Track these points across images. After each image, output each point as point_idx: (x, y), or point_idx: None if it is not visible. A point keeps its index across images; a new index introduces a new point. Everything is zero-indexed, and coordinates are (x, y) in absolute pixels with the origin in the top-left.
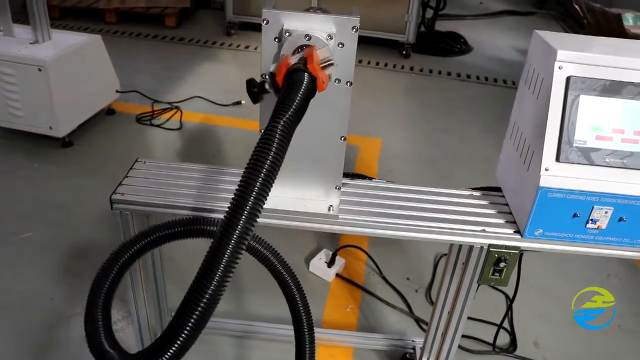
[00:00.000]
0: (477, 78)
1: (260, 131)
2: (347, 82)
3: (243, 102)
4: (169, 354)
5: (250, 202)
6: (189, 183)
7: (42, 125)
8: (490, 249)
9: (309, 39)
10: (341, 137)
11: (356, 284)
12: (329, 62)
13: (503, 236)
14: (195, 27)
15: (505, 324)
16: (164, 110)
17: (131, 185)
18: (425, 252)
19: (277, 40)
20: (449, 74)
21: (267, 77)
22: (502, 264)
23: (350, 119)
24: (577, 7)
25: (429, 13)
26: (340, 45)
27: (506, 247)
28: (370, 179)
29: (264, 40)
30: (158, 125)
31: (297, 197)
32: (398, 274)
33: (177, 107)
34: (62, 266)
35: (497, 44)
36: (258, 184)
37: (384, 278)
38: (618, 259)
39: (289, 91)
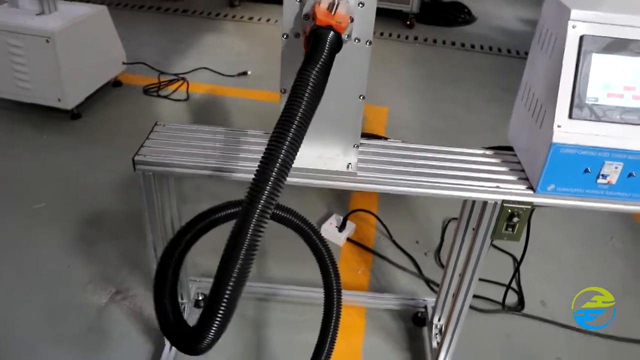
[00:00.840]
0: (482, 48)
1: (281, 91)
2: (366, 42)
3: (249, 72)
4: (216, 322)
5: (281, 156)
6: (209, 144)
7: (51, 97)
8: (504, 205)
9: None
10: (360, 95)
11: (367, 247)
12: (336, 4)
13: (516, 192)
14: None
15: (513, 285)
16: (171, 82)
17: (152, 147)
18: (433, 216)
19: (298, 0)
20: (453, 43)
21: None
22: (515, 219)
23: None
24: None
25: None
26: (360, 5)
27: (519, 202)
28: (386, 139)
29: (285, 1)
30: (165, 97)
31: (316, 156)
32: (407, 237)
33: (183, 79)
34: (76, 234)
35: (501, 14)
36: (290, 134)
37: (393, 242)
38: (622, 221)
39: (311, 51)
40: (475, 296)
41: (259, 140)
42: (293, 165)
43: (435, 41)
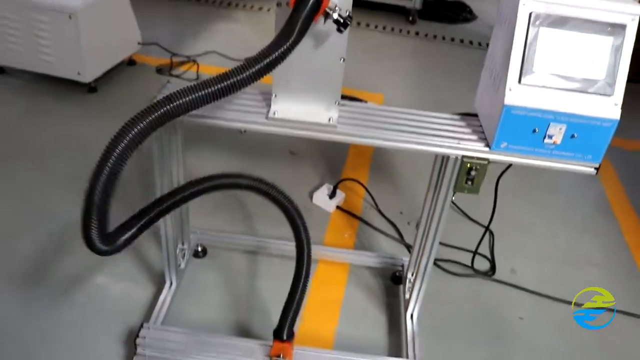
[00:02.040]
0: (479, 44)
1: None
2: (346, 11)
3: None
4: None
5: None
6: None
7: (71, 70)
8: (464, 159)
9: None
10: (341, 58)
11: (354, 214)
12: None
13: (474, 148)
14: None
15: (487, 254)
16: (182, 63)
17: None
18: (418, 192)
19: None
20: (453, 39)
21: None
22: (473, 173)
23: (356, 76)
24: None
25: None
26: None
27: (477, 158)
28: (365, 102)
29: None
30: (176, 76)
31: (303, 111)
32: (392, 208)
33: (194, 60)
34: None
35: None
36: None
37: (379, 211)
38: (595, 205)
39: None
40: (451, 261)
41: (254, 97)
42: (282, 117)
43: (435, 37)
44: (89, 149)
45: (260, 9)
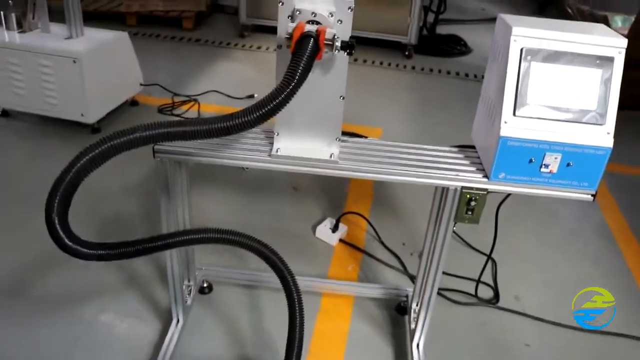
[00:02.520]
0: (475, 76)
1: None
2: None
3: (256, 95)
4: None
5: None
6: (214, 141)
7: (75, 112)
8: (463, 190)
9: (314, 16)
10: (340, 96)
11: (357, 247)
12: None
13: (473, 180)
14: (210, 29)
15: (490, 282)
16: (183, 102)
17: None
18: (419, 224)
19: (290, 18)
20: (449, 72)
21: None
22: (472, 203)
23: (354, 111)
24: (568, 9)
25: (431, 17)
26: (339, 22)
27: (476, 188)
28: (366, 137)
29: (280, 18)
30: (178, 115)
31: (305, 148)
32: (395, 240)
33: (195, 100)
34: (95, 229)
35: None
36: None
37: (382, 243)
38: (597, 231)
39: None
40: (455, 290)
41: (257, 136)
42: (285, 154)
43: (431, 70)
44: (93, 187)
45: (259, 47)
